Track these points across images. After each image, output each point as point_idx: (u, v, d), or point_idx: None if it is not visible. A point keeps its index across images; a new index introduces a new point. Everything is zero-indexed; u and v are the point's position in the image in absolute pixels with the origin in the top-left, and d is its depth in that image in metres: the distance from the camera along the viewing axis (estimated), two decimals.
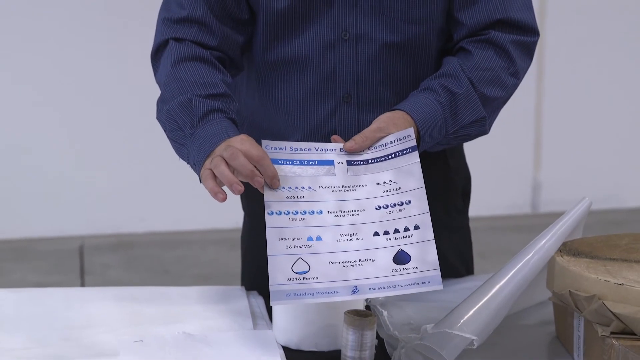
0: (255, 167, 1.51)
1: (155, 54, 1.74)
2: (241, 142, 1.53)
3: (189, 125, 1.61)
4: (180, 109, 1.62)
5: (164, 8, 1.76)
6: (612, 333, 1.38)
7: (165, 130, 1.66)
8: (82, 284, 3.99)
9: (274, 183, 1.51)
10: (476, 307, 1.48)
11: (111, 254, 4.35)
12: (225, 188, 1.52)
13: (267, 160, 1.51)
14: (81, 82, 4.40)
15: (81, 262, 4.27)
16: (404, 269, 1.45)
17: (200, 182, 1.56)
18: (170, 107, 1.64)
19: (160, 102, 1.68)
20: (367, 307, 1.67)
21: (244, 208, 1.99)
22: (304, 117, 1.78)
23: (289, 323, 1.57)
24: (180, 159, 1.66)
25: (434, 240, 1.47)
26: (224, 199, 1.49)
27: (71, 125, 4.44)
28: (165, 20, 1.73)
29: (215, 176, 1.51)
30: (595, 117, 4.97)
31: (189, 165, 1.64)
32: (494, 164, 4.75)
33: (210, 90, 1.64)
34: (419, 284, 1.43)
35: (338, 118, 1.77)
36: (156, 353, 1.50)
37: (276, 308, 1.59)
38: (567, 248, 1.55)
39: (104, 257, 4.32)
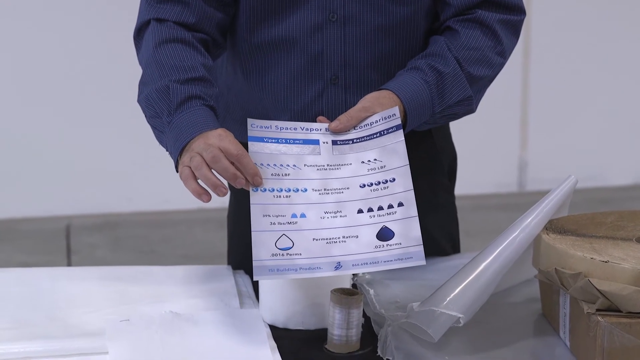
0: (235, 163, 1.49)
1: (137, 34, 1.73)
2: (219, 139, 1.51)
3: (166, 113, 1.59)
4: (158, 96, 1.61)
5: None
6: (597, 310, 1.39)
7: (145, 116, 1.65)
8: (69, 264, 3.98)
9: (255, 181, 1.49)
10: (462, 285, 1.48)
11: (97, 234, 4.35)
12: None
13: (246, 158, 1.50)
14: (67, 62, 4.38)
15: (67, 242, 4.27)
16: (387, 245, 1.46)
17: (177, 171, 1.55)
18: (148, 92, 1.62)
19: (141, 85, 1.67)
20: (354, 285, 1.68)
21: (230, 187, 1.99)
22: (291, 99, 1.77)
23: (275, 302, 1.57)
24: (160, 145, 1.65)
25: (417, 217, 1.47)
26: (209, 199, 1.48)
27: (57, 105, 4.42)
28: None
29: (196, 176, 1.49)
30: (581, 96, 4.98)
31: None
32: (480, 143, 4.76)
33: (188, 75, 1.62)
34: (402, 259, 1.44)
35: (325, 100, 1.76)
36: (143, 332, 1.50)
37: (263, 287, 1.59)
38: (553, 226, 1.55)
39: (91, 237, 4.32)
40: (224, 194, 1.47)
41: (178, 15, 1.69)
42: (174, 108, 1.59)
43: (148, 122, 1.65)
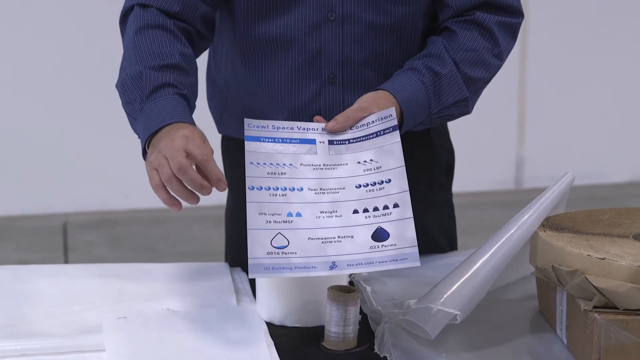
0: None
1: (122, 20, 1.72)
2: (185, 141, 1.46)
3: (139, 100, 1.57)
4: (131, 82, 1.59)
5: None
6: (594, 307, 1.39)
7: (121, 102, 1.63)
8: (66, 262, 3.98)
9: (219, 186, 1.45)
10: (459, 282, 1.48)
11: (95, 232, 4.34)
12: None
13: (210, 163, 1.45)
14: (63, 59, 4.38)
15: (65, 239, 4.27)
16: (382, 245, 1.46)
17: (144, 159, 1.54)
18: (123, 78, 1.61)
19: (119, 70, 1.65)
20: (351, 282, 1.68)
21: (228, 185, 1.99)
22: (288, 97, 1.77)
23: (272, 299, 1.57)
24: (134, 132, 1.62)
25: (412, 218, 1.47)
26: (181, 208, 1.45)
27: (54, 103, 4.41)
28: None
29: (164, 184, 1.45)
30: (578, 93, 4.99)
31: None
32: (478, 141, 4.76)
33: (164, 61, 1.60)
34: (396, 260, 1.44)
35: (323, 98, 1.76)
36: (140, 330, 1.50)
37: (260, 284, 1.59)
38: (550, 223, 1.55)
39: (88, 234, 4.31)
40: (197, 202, 1.44)
41: (162, 2, 1.68)
42: (146, 95, 1.57)
43: (123, 108, 1.63)
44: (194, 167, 1.46)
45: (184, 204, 1.47)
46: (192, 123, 1.54)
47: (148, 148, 1.54)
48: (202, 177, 1.45)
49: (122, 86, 1.61)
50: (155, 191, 1.46)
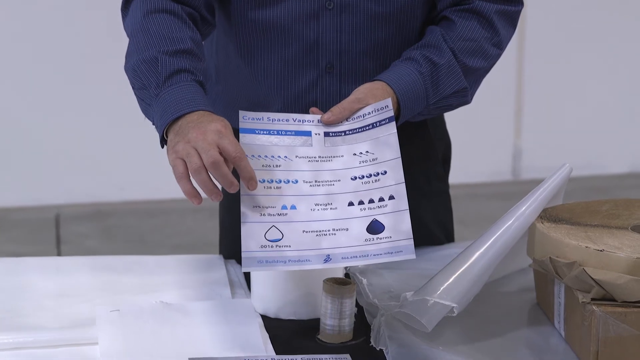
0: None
1: (124, 4, 1.70)
2: (219, 136, 1.45)
3: (154, 86, 1.56)
4: (145, 67, 1.57)
5: None
6: (592, 299, 1.38)
7: (132, 87, 1.62)
8: (58, 254, 3.97)
9: (250, 185, 1.46)
10: (456, 274, 1.48)
11: (88, 224, 4.33)
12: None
13: (244, 161, 1.45)
14: (57, 50, 4.36)
15: (57, 231, 4.26)
16: (377, 238, 1.45)
17: (162, 146, 1.53)
18: (135, 62, 1.59)
19: (127, 55, 1.64)
20: (347, 275, 1.67)
21: None
22: (284, 86, 1.76)
23: (267, 292, 1.56)
24: (146, 119, 1.61)
25: (408, 210, 1.47)
26: (201, 202, 1.44)
27: (46, 93, 4.40)
28: None
29: (189, 174, 1.44)
30: (576, 83, 4.98)
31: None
32: (474, 131, 4.75)
33: (177, 46, 1.58)
34: (391, 253, 1.43)
35: (320, 88, 1.75)
36: (133, 322, 1.50)
37: (255, 277, 1.58)
38: (548, 214, 1.55)
39: (81, 226, 4.30)
40: (219, 200, 1.44)
41: None
42: (162, 81, 1.55)
43: (135, 93, 1.61)
44: None
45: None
46: (212, 110, 1.53)
47: (167, 135, 1.52)
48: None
49: (134, 71, 1.59)
50: (178, 180, 1.45)
